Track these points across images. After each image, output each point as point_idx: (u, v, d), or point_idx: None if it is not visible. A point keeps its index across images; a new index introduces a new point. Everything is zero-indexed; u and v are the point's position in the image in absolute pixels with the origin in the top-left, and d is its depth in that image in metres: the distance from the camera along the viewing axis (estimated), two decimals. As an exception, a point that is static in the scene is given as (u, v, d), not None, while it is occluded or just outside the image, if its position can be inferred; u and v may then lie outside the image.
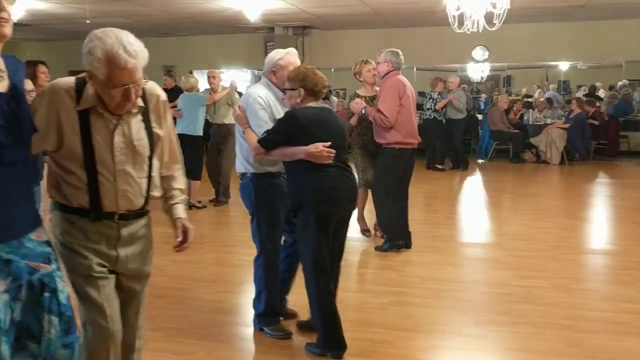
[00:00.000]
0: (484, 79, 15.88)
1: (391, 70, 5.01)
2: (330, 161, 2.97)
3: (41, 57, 14.01)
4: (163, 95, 2.21)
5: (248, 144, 3.15)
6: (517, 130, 11.26)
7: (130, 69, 1.91)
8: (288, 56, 3.28)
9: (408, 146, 4.98)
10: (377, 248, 5.16)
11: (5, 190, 1.78)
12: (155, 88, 2.19)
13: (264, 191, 3.26)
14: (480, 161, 11.42)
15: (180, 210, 2.29)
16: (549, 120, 11.39)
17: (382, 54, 5.07)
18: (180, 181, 2.34)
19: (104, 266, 2.12)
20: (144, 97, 2.11)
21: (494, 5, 6.73)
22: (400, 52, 5.07)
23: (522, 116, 11.94)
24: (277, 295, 3.43)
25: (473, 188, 9.51)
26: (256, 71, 14.30)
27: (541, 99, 12.45)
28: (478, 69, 14.59)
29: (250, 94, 3.28)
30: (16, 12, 8.54)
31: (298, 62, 3.31)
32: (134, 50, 1.92)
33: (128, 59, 1.89)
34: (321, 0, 8.98)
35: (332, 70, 12.66)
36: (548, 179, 9.83)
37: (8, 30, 1.76)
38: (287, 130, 2.99)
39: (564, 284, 4.30)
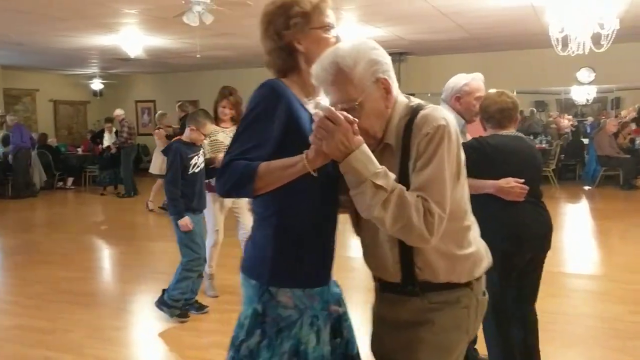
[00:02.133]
0: (590, 101, 15.15)
1: None
2: (523, 198, 2.67)
3: (152, 89, 15.07)
4: (432, 128, 1.48)
5: None
6: (628, 155, 10.64)
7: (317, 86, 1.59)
8: (474, 82, 3.05)
9: None
10: None
11: (334, 230, 1.70)
12: (429, 117, 1.50)
13: None
14: (586, 188, 10.86)
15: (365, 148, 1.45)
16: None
17: None
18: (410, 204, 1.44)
19: None
20: (408, 130, 1.52)
21: (601, 26, 6.43)
22: (482, 77, 4.96)
23: (632, 140, 11.26)
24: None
25: (578, 215, 9.05)
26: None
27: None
28: (583, 91, 13.95)
29: None
30: (135, 49, 9.32)
31: (483, 87, 3.07)
32: (325, 64, 1.51)
33: (315, 73, 1.54)
34: (419, 27, 9.04)
35: (429, 95, 12.58)
36: (664, 207, 9.18)
37: None
38: (473, 160, 2.60)
39: (683, 321, 4.01)
